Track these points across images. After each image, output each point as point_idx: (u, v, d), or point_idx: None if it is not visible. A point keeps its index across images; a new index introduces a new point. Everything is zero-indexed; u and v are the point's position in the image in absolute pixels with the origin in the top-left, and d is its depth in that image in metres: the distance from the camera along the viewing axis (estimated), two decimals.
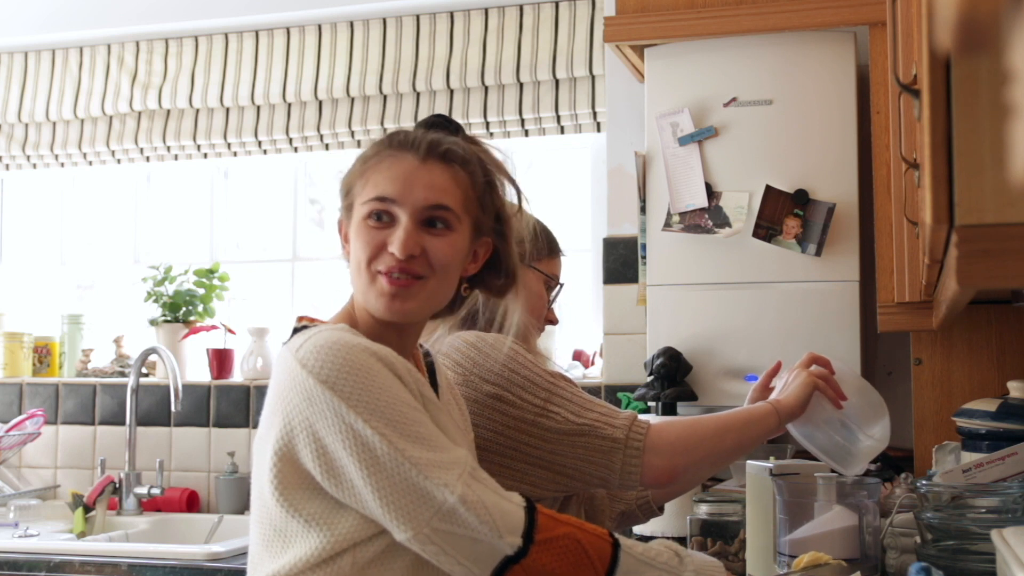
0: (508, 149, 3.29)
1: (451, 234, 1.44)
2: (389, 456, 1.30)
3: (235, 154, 3.43)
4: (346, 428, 1.31)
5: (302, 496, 1.36)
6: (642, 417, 1.66)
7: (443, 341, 1.72)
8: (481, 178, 1.49)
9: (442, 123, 1.52)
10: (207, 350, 3.35)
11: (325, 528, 1.35)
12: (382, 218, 1.42)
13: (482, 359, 1.65)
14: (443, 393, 1.55)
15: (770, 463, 1.91)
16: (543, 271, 1.85)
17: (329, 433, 1.32)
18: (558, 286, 1.91)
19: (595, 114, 3.07)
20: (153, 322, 3.40)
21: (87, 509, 3.03)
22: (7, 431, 3.26)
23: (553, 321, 1.92)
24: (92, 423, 3.39)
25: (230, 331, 3.36)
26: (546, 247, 1.87)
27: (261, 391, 3.15)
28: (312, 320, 1.47)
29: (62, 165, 3.61)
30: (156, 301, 3.41)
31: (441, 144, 1.46)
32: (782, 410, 1.73)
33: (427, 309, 1.48)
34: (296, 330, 1.45)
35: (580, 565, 1.37)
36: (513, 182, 1.57)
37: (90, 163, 3.57)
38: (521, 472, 1.62)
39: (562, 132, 3.13)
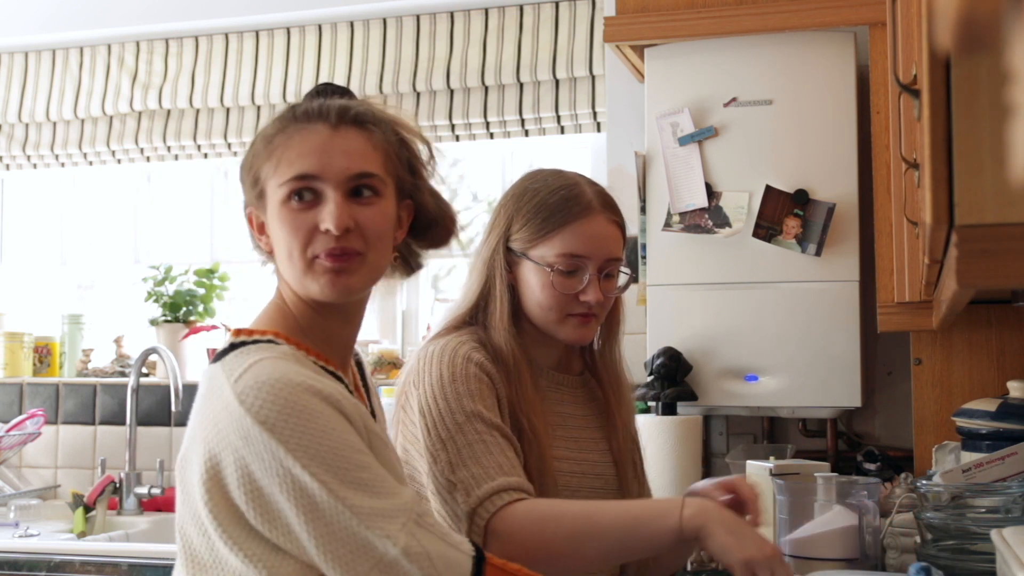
0: (508, 149, 3.30)
1: (380, 201, 1.35)
2: (329, 504, 1.23)
3: (235, 154, 3.43)
4: (284, 472, 1.23)
5: (242, 533, 1.28)
6: (509, 493, 1.50)
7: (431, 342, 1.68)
8: (394, 136, 1.40)
9: (332, 90, 1.41)
10: (207, 350, 3.34)
11: (265, 571, 1.27)
12: (304, 197, 1.32)
13: (426, 373, 1.60)
14: (373, 397, 1.53)
15: (770, 463, 1.91)
16: (535, 260, 1.65)
17: (266, 476, 1.24)
18: (565, 261, 1.63)
19: (595, 114, 3.06)
20: (153, 322, 3.40)
21: (87, 509, 3.03)
22: (7, 431, 3.26)
23: (598, 301, 1.63)
24: (92, 423, 3.39)
25: (230, 331, 3.36)
26: (537, 228, 1.65)
27: None
28: (250, 332, 1.38)
29: (62, 165, 3.61)
30: (156, 301, 3.41)
31: (351, 108, 1.35)
32: (690, 509, 1.44)
33: (368, 283, 1.38)
34: (233, 345, 1.35)
35: None
36: (422, 137, 1.45)
37: (90, 163, 3.57)
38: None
39: (562, 132, 3.12)
